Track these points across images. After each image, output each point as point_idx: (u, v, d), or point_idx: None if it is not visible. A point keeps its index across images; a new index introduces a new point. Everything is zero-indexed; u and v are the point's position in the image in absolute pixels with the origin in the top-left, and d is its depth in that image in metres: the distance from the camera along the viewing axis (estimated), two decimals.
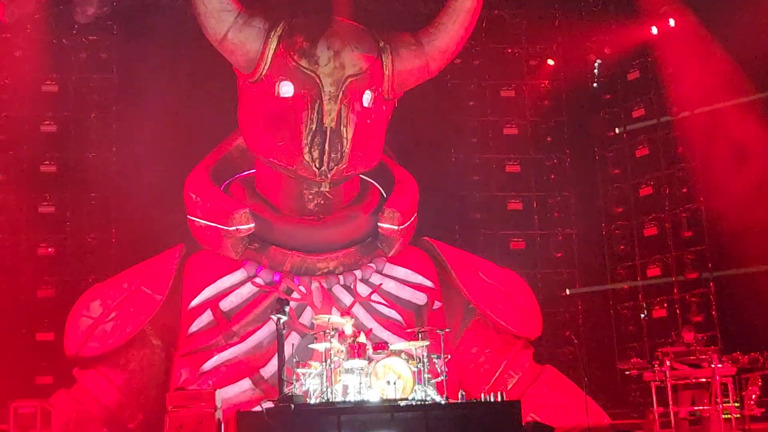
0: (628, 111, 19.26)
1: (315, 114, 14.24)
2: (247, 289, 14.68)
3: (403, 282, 15.37)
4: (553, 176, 19.34)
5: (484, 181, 18.58)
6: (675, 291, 18.35)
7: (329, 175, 14.58)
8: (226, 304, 14.55)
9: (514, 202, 19.07)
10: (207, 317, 14.41)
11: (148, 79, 16.02)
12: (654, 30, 18.27)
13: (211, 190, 15.30)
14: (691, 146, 17.72)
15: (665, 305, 18.39)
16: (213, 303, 14.49)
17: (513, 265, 16.96)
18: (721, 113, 16.74)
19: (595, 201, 19.41)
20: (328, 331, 12.09)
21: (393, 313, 14.90)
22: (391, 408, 10.89)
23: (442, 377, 12.00)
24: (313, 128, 14.24)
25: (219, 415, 11.62)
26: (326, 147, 14.27)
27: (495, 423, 10.95)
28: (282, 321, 11.21)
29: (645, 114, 18.99)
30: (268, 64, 14.36)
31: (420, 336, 12.26)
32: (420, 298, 15.32)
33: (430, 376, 11.81)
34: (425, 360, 11.76)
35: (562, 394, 15.15)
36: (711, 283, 17.88)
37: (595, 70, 19.44)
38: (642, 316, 18.64)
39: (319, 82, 14.26)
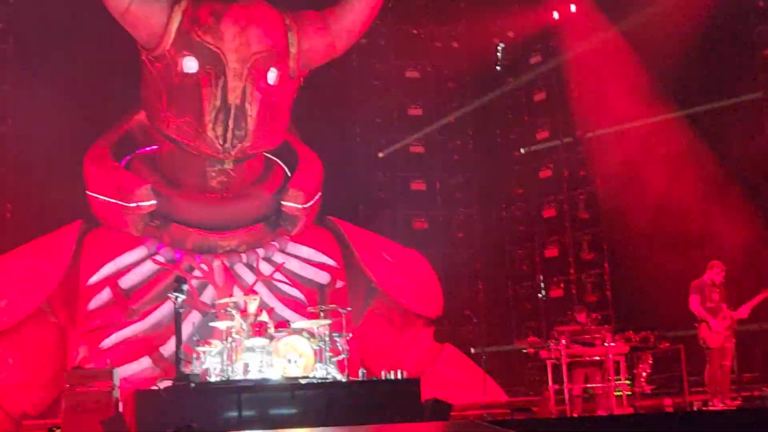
0: (530, 95, 19.52)
1: (219, 91, 14.10)
2: (148, 267, 14.54)
3: (306, 261, 15.37)
4: (456, 157, 19.51)
5: (388, 161, 18.67)
6: (572, 271, 18.78)
7: (232, 153, 14.48)
8: (125, 282, 14.37)
9: (417, 183, 19.20)
10: (106, 295, 14.23)
11: (47, 50, 15.64)
12: (555, 15, 18.59)
13: (111, 165, 15.05)
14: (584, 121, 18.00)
15: (562, 285, 18.83)
16: (112, 280, 14.30)
17: (416, 245, 17.11)
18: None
19: (497, 182, 19.67)
20: (229, 309, 12.04)
21: (295, 292, 14.90)
22: (291, 386, 10.89)
23: (344, 356, 12.06)
24: (217, 105, 14.10)
25: (116, 393, 11.48)
26: (230, 124, 14.14)
27: (395, 400, 10.99)
28: (180, 300, 11.12)
29: (546, 98, 19.28)
30: (171, 39, 14.17)
31: (322, 315, 12.30)
32: (323, 277, 15.34)
33: (331, 354, 11.84)
34: (327, 339, 11.81)
35: (461, 372, 15.42)
36: (606, 264, 18.34)
37: (498, 54, 19.62)
38: (540, 295, 18.96)
39: (223, 58, 14.11)
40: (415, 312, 15.68)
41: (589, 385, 13.43)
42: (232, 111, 14.12)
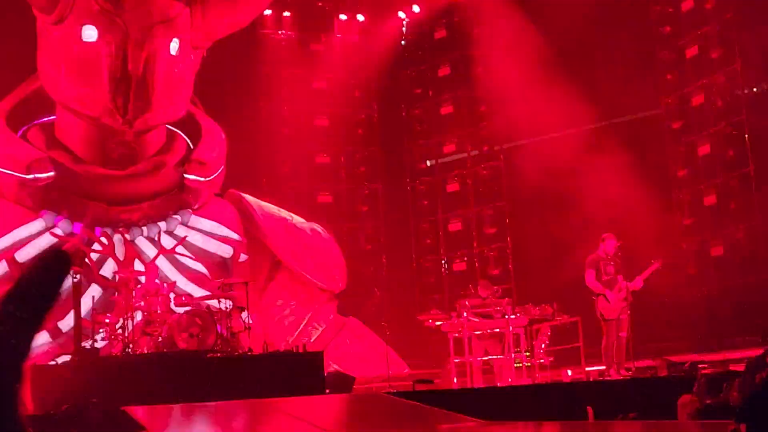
0: (435, 71, 19.67)
1: (120, 61, 13.85)
2: (45, 240, 14.19)
3: (209, 234, 15.27)
4: (360, 131, 19.55)
5: (293, 134, 18.50)
6: (474, 245, 19.01)
7: (134, 124, 14.25)
8: (22, 255, 14.04)
9: (322, 156, 19.15)
10: (2, 269, 13.96)
11: None
12: None
13: (6, 135, 14.68)
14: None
15: (465, 259, 19.10)
16: (8, 254, 14.00)
17: (320, 219, 17.13)
18: None
19: (402, 156, 19.81)
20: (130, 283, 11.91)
21: (198, 266, 14.81)
22: (194, 360, 10.86)
23: (247, 329, 12.05)
24: (118, 75, 13.86)
25: None
26: (131, 95, 13.92)
27: (298, 373, 11.07)
28: (77, 274, 10.92)
29: (450, 72, 19.42)
30: (71, 6, 13.82)
31: (225, 288, 12.24)
32: (226, 251, 15.27)
33: (234, 327, 11.84)
34: (230, 312, 11.77)
35: (364, 345, 15.56)
36: (508, 238, 18.68)
37: (403, 28, 19.67)
38: (443, 269, 19.24)
39: (124, 27, 13.84)
40: (319, 285, 15.73)
41: (489, 357, 13.64)
42: (134, 81, 13.88)
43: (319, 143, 19.06)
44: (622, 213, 15.24)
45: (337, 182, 19.28)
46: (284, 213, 16.52)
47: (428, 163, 19.75)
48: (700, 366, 11.83)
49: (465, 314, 13.29)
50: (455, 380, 13.19)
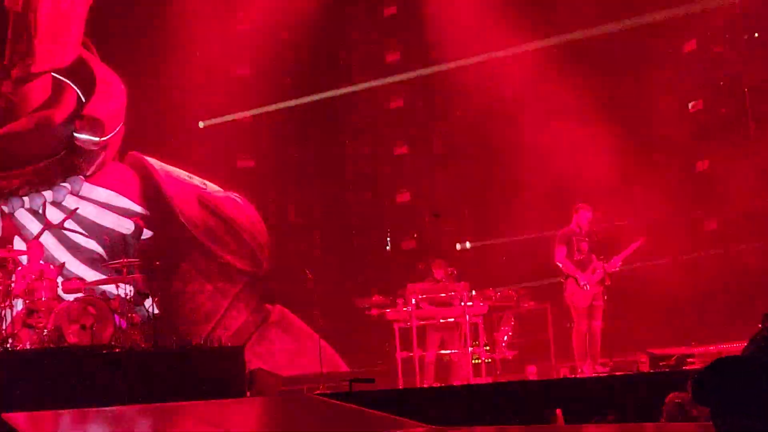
0: (379, 10, 19.61)
1: None
2: None
3: (104, 206, 15.19)
4: (289, 80, 19.42)
5: (210, 85, 18.14)
6: (427, 219, 19.14)
7: (11, 72, 14.08)
8: None
9: (243, 113, 18.97)
10: None
11: None
12: None
13: None
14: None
15: (415, 235, 19.21)
16: None
17: (239, 188, 17.10)
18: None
19: (339, 112, 19.87)
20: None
21: (91, 244, 14.71)
22: (86, 356, 10.83)
23: (151, 320, 12.02)
24: None
25: None
26: (9, 35, 13.80)
27: (214, 371, 11.09)
28: None
29: (397, 12, 19.36)
30: None
31: (125, 271, 12.19)
32: (126, 226, 15.19)
33: (134, 317, 11.81)
34: (131, 300, 11.74)
35: (292, 338, 15.63)
36: (465, 211, 18.84)
37: None
38: (388, 247, 19.34)
39: None
40: (238, 267, 15.73)
41: (442, 351, 13.76)
42: (11, 20, 13.70)
43: (239, 96, 18.87)
44: (597, 179, 15.42)
45: (259, 143, 19.13)
46: (197, 180, 16.47)
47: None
48: (689, 360, 11.98)
49: (414, 301, 13.33)
50: (402, 379, 13.28)
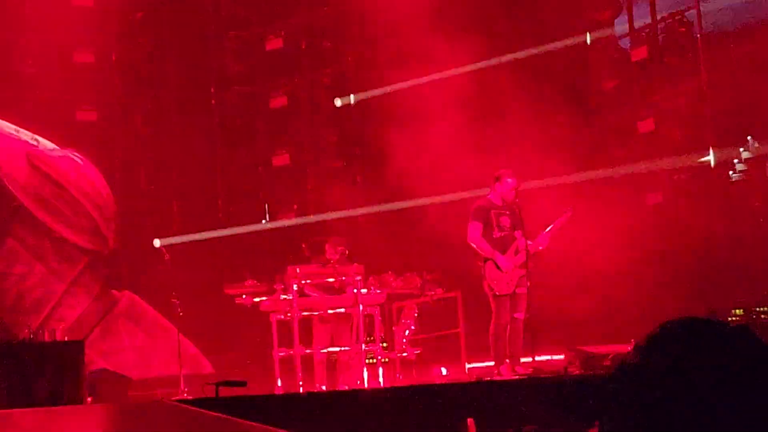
0: None
1: None
2: None
3: None
4: (141, 14, 19.37)
5: (42, 18, 17.99)
6: (309, 188, 19.29)
7: None
8: None
9: (84, 53, 18.70)
10: None
11: None
12: None
13: None
14: None
15: (295, 207, 19.19)
16: None
17: (80, 145, 17.03)
18: None
19: (207, 53, 19.87)
20: None
21: None
22: None
23: None
24: None
25: None
26: None
27: (45, 373, 10.93)
28: None
29: None
30: None
31: None
32: None
33: None
34: None
35: (145, 332, 15.62)
36: (357, 177, 18.89)
37: None
38: (264, 221, 19.30)
39: None
40: (78, 243, 15.53)
41: (329, 350, 13.80)
42: None
43: (80, 33, 18.55)
44: (521, 136, 15.82)
45: (105, 91, 18.98)
46: (26, 135, 16.27)
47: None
48: None
49: (295, 287, 13.27)
50: (279, 382, 13.27)
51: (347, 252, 14.30)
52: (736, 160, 18.18)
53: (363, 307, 13.42)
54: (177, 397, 11.84)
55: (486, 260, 12.86)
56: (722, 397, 2.45)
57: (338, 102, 18.98)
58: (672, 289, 15.88)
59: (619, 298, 16.04)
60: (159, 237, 17.72)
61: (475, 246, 12.91)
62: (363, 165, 18.91)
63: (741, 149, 18.44)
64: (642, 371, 2.50)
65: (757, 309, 14.51)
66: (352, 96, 18.92)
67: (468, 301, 14.09)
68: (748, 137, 17.88)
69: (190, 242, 18.59)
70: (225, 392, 11.25)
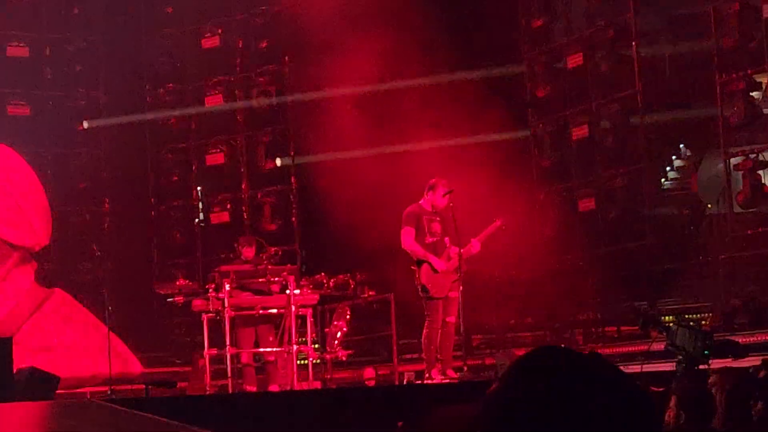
0: None
1: None
2: None
3: None
4: (77, 10, 19.26)
5: None
6: (244, 187, 19.24)
7: None
8: None
9: (15, 47, 18.59)
10: None
11: None
12: None
13: None
14: None
15: (229, 206, 19.19)
16: None
17: (9, 136, 16.87)
18: None
19: (140, 49, 19.84)
20: None
21: None
22: None
23: None
24: None
25: None
26: None
27: None
28: None
29: None
30: None
31: None
32: None
33: None
34: None
35: (75, 330, 15.45)
36: (293, 178, 18.89)
37: None
38: (197, 220, 18.89)
39: None
40: (7, 239, 15.52)
41: (261, 350, 13.76)
42: None
43: (14, 27, 18.49)
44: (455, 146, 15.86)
45: (37, 80, 18.87)
46: None
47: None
48: None
49: (227, 287, 13.24)
50: (210, 383, 13.23)
51: (281, 252, 14.26)
52: (668, 168, 18.48)
53: (295, 308, 13.39)
54: (106, 397, 11.82)
55: (420, 263, 12.94)
56: (574, 422, 2.54)
57: (275, 101, 18.99)
58: (603, 295, 16.11)
59: (551, 303, 16.11)
60: (90, 233, 17.66)
61: (409, 250, 12.98)
62: (298, 169, 18.88)
63: (673, 157, 18.81)
64: (501, 399, 2.58)
65: (687, 316, 14.57)
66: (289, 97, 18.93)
67: (401, 303, 14.05)
68: (681, 145, 18.17)
69: (121, 240, 18.50)
70: (155, 392, 11.26)
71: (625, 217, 16.60)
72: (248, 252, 14.06)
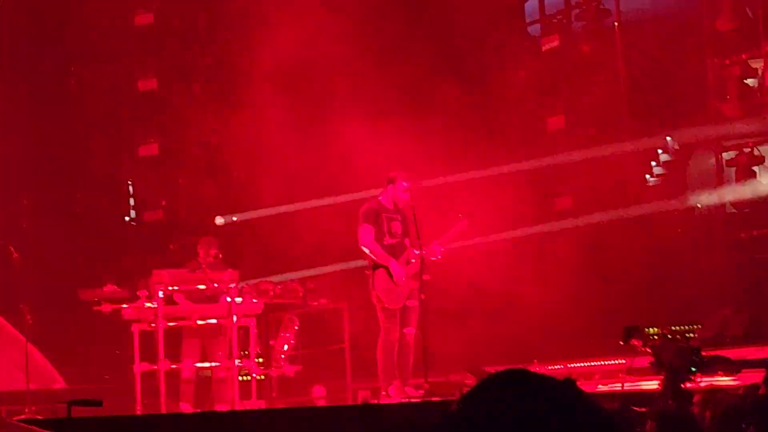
0: None
1: None
2: None
3: None
4: None
5: None
6: (179, 180, 19.21)
7: None
8: None
9: None
10: None
11: None
12: None
13: None
14: None
15: (164, 203, 19.11)
16: None
17: None
18: None
19: (69, 10, 19.62)
20: None
21: None
22: None
23: None
24: None
25: None
26: None
27: None
28: None
29: None
30: None
31: None
32: None
33: None
34: None
35: None
36: (234, 172, 18.85)
37: None
38: (128, 217, 19.29)
39: None
40: None
41: (198, 365, 13.68)
42: None
43: None
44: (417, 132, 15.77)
45: None
46: None
47: None
48: None
49: (161, 294, 13.16)
50: (141, 402, 13.19)
51: (221, 255, 14.17)
52: (653, 162, 18.48)
53: (237, 317, 13.31)
54: (23, 416, 11.67)
55: (376, 268, 12.82)
56: None
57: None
58: (580, 306, 16.05)
59: (521, 314, 16.04)
60: (5, 235, 17.67)
61: (368, 250, 12.85)
62: (236, 163, 18.86)
63: (659, 150, 18.80)
64: (461, 421, 2.70)
65: (673, 328, 14.60)
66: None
67: (356, 313, 14.15)
68: (667, 138, 18.18)
69: (41, 240, 18.47)
70: (78, 411, 11.09)
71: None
72: (205, 252, 14.00)
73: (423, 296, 12.92)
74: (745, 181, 15.55)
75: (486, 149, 17.29)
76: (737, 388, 9.34)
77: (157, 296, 13.19)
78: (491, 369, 12.77)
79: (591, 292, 16.36)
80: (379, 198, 13.06)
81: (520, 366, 9.34)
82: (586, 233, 16.84)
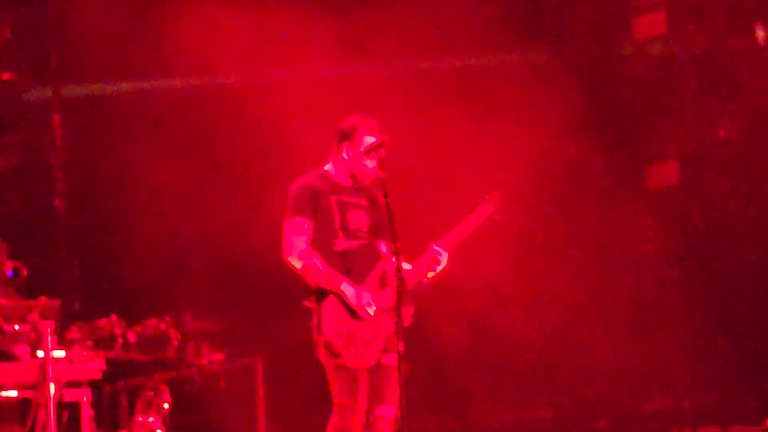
0: None
1: None
2: None
3: None
4: None
5: None
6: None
7: None
8: None
9: None
10: None
11: None
12: None
13: None
14: None
15: None
16: None
17: None
18: None
19: None
20: None
21: None
22: None
23: None
24: None
25: None
26: None
27: None
28: None
29: None
30: None
31: None
32: None
33: None
34: None
35: None
36: (55, 118, 18.53)
37: None
38: None
39: None
40: None
41: None
42: None
43: None
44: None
45: None
46: None
47: None
48: None
49: None
50: None
51: (24, 272, 12.22)
52: None
53: (58, 388, 10.60)
54: None
55: (323, 296, 9.65)
56: None
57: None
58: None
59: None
60: None
61: (300, 266, 9.83)
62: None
63: None
64: None
65: None
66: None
67: (277, 376, 12.63)
68: None
69: None
70: None
71: None
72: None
73: (404, 344, 9.29)
74: None
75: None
76: None
77: None
78: None
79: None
80: (325, 169, 10.11)
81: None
82: None
